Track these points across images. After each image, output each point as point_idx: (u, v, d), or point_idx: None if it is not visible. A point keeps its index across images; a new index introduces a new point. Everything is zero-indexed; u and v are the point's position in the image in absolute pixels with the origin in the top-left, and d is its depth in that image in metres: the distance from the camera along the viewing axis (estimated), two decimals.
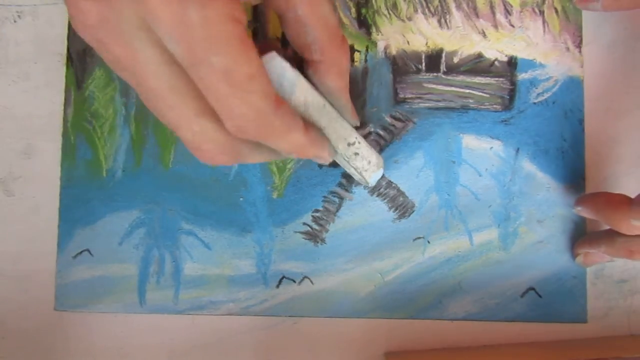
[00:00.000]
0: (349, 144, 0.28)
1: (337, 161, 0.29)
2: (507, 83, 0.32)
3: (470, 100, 0.32)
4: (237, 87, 0.21)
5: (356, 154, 0.28)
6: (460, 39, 0.32)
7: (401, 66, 0.32)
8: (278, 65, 0.24)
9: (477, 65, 0.32)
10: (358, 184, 0.32)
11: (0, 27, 0.32)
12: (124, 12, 0.20)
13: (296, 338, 0.32)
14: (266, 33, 0.32)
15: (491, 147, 0.32)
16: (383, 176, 0.32)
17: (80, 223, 0.32)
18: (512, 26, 0.32)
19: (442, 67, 0.32)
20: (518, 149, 0.32)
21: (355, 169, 0.28)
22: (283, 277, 0.32)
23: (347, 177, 0.32)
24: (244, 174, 0.32)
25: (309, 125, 0.25)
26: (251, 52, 0.21)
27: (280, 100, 0.23)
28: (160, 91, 0.22)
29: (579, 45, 0.32)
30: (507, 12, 0.32)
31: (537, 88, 0.32)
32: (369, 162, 0.28)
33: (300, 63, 0.26)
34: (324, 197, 0.32)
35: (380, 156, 0.29)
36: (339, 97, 0.27)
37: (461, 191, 0.32)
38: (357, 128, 0.29)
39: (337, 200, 0.32)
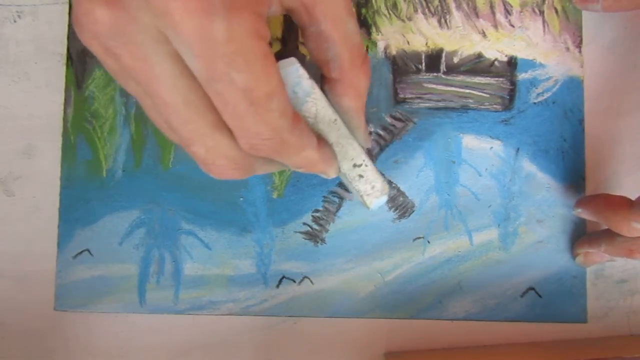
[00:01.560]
0: (354, 165, 0.27)
1: (342, 179, 0.28)
2: (507, 83, 0.32)
3: (470, 100, 0.32)
4: (256, 105, 0.20)
5: (360, 176, 0.27)
6: (460, 39, 0.32)
7: (401, 66, 0.32)
8: (295, 72, 0.24)
9: (477, 65, 0.32)
10: None
11: (0, 27, 0.32)
12: (141, 21, 0.19)
13: (296, 338, 0.32)
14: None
15: (491, 147, 0.32)
16: (383, 176, 0.32)
17: (80, 223, 0.32)
18: (512, 26, 0.32)
19: (442, 67, 0.32)
20: (518, 149, 0.32)
21: (357, 191, 0.27)
22: (283, 277, 0.32)
23: None
24: None
25: (321, 140, 0.25)
26: (272, 69, 0.20)
27: (297, 118, 0.22)
28: (175, 105, 0.21)
29: (579, 45, 0.32)
30: (507, 12, 0.32)
31: (537, 88, 0.32)
32: (373, 187, 0.27)
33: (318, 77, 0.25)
34: (324, 197, 0.32)
35: (386, 183, 0.28)
36: (353, 118, 0.26)
37: (461, 191, 0.32)
38: None
39: (337, 200, 0.32)
